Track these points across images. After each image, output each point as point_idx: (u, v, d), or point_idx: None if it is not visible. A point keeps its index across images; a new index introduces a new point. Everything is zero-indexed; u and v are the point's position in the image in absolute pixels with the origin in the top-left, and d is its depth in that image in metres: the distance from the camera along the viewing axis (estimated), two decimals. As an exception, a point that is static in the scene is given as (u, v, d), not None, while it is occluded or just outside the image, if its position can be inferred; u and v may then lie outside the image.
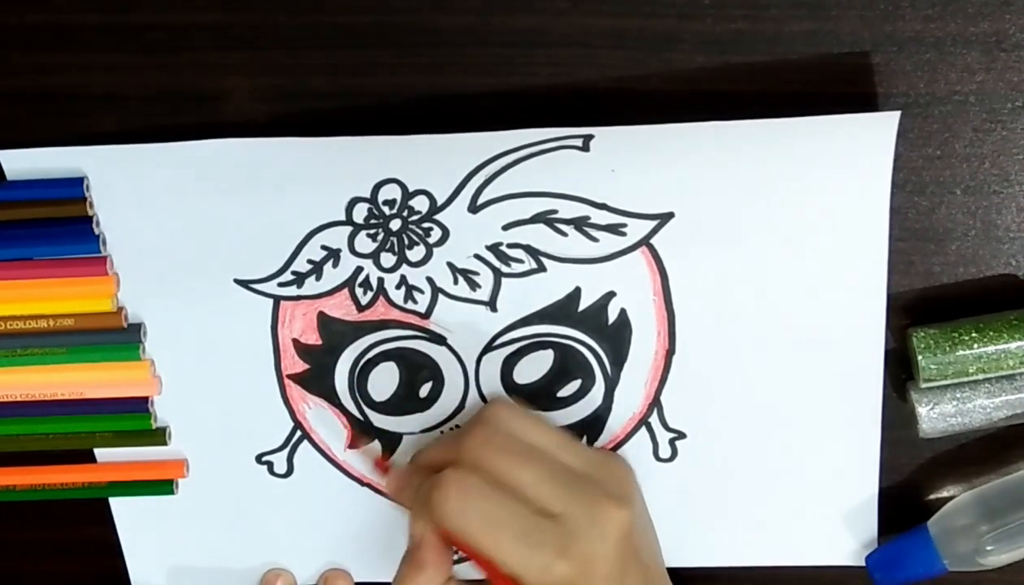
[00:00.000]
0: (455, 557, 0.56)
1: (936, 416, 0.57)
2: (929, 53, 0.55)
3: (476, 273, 0.57)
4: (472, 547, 0.53)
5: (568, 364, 0.58)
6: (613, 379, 0.58)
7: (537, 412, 0.58)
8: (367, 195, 0.56)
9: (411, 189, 0.56)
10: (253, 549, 0.62)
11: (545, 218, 0.56)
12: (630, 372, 0.58)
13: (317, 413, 0.60)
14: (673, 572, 0.58)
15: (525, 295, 0.57)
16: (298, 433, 0.60)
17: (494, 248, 0.57)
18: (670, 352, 0.58)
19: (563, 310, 0.58)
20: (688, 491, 0.60)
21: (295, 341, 0.59)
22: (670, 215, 0.56)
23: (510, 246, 0.57)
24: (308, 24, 0.56)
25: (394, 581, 0.56)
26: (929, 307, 0.57)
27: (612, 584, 0.53)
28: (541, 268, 0.57)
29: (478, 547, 0.52)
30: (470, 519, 0.52)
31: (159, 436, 0.60)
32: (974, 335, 0.56)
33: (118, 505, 0.62)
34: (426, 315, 0.58)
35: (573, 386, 0.59)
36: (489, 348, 0.58)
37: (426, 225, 0.57)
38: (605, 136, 0.55)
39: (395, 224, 0.57)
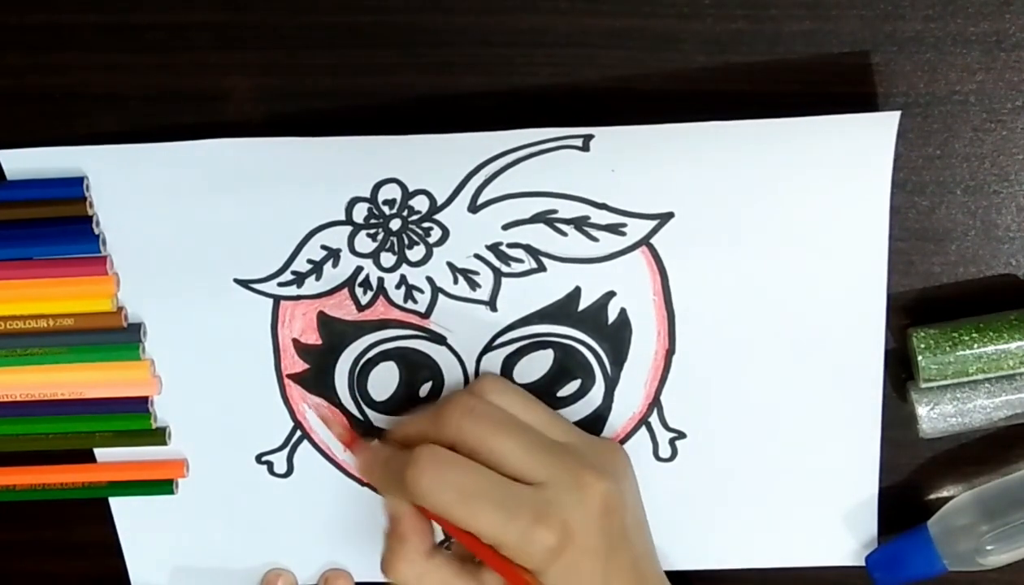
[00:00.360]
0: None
1: (936, 416, 0.57)
2: (929, 53, 0.55)
3: (476, 273, 0.57)
4: (451, 522, 0.52)
5: (568, 364, 0.58)
6: (613, 379, 0.58)
7: (526, 392, 0.57)
8: (367, 195, 0.56)
9: (411, 189, 0.56)
10: (253, 549, 0.62)
11: (545, 218, 0.56)
12: (630, 372, 0.58)
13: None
14: (672, 573, 0.58)
15: (525, 295, 0.57)
16: (298, 433, 0.60)
17: (494, 248, 0.57)
18: (670, 352, 0.58)
19: (563, 310, 0.58)
20: (688, 491, 0.60)
21: (295, 341, 0.59)
22: (670, 215, 0.56)
23: (510, 246, 0.57)
24: (308, 24, 0.56)
25: (381, 560, 0.56)
26: (929, 307, 0.57)
27: (598, 561, 0.53)
28: (541, 268, 0.57)
29: (456, 521, 0.52)
30: (446, 494, 0.52)
31: (159, 436, 0.60)
32: (974, 335, 0.56)
33: (118, 505, 0.62)
34: (426, 315, 0.58)
35: (573, 386, 0.59)
36: (489, 348, 0.58)
37: (426, 225, 0.57)
38: (605, 136, 0.55)
39: (395, 224, 0.57)
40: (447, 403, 0.55)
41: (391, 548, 0.55)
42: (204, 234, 0.57)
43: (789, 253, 0.56)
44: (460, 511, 0.52)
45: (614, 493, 0.54)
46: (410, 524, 0.55)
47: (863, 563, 0.60)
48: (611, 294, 0.57)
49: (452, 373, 0.59)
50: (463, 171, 0.56)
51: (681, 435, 0.59)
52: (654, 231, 0.56)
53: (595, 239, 0.56)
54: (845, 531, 0.60)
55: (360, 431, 0.60)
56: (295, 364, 0.59)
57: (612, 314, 0.57)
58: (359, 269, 0.57)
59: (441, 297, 0.58)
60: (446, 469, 0.52)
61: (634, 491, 0.57)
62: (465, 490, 0.52)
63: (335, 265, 0.57)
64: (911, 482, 0.60)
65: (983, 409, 0.57)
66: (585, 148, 0.55)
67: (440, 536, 0.56)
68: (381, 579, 0.61)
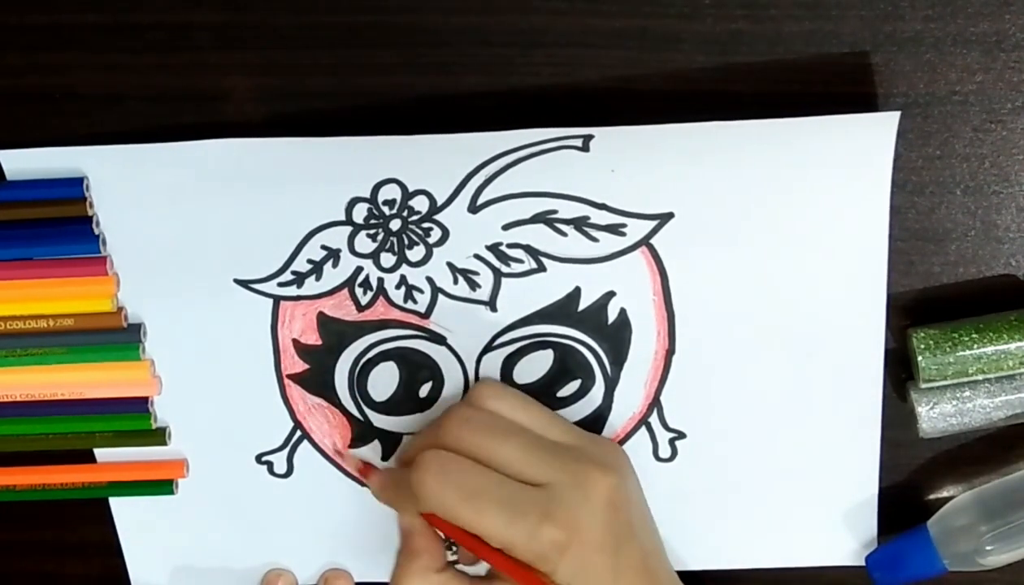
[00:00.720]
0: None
1: (936, 416, 0.57)
2: (929, 53, 0.55)
3: (476, 273, 0.57)
4: (458, 524, 0.52)
5: (568, 364, 0.58)
6: (613, 379, 0.58)
7: (523, 394, 0.57)
8: (367, 195, 0.56)
9: (411, 189, 0.56)
10: (253, 549, 0.62)
11: (545, 218, 0.56)
12: (630, 372, 0.58)
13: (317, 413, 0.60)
14: (673, 573, 0.58)
15: (525, 295, 0.57)
16: (298, 433, 0.60)
17: (494, 248, 0.57)
18: (670, 352, 0.58)
19: (563, 310, 0.58)
20: (688, 491, 0.60)
21: (295, 341, 0.59)
22: (670, 215, 0.56)
23: (510, 246, 0.57)
24: (308, 24, 0.56)
25: (392, 577, 0.56)
26: (929, 307, 0.57)
27: (607, 556, 0.53)
28: (541, 268, 0.57)
29: (462, 522, 0.52)
30: (451, 495, 0.52)
31: (159, 436, 0.60)
32: (974, 335, 0.56)
33: (118, 505, 0.62)
34: (426, 315, 0.58)
35: (573, 386, 0.59)
36: (489, 348, 0.58)
37: (426, 225, 0.57)
38: (605, 136, 0.55)
39: (395, 224, 0.57)
40: (444, 417, 0.55)
41: (401, 564, 0.56)
42: (204, 234, 0.57)
43: (789, 253, 0.56)
44: (466, 511, 0.52)
45: (619, 489, 0.54)
46: (422, 541, 0.55)
47: (863, 563, 0.60)
48: (611, 294, 0.57)
49: (452, 373, 0.59)
50: (463, 171, 0.56)
51: (681, 435, 0.59)
52: (654, 231, 0.56)
53: (595, 239, 0.56)
54: (845, 531, 0.60)
55: (360, 433, 0.60)
56: (295, 364, 0.59)
57: (612, 314, 0.57)
58: (359, 269, 0.57)
59: (441, 297, 0.58)
60: (450, 470, 0.53)
61: (637, 489, 0.57)
62: (470, 490, 0.52)
63: (335, 265, 0.57)
64: (911, 482, 0.60)
65: (983, 409, 0.57)
66: (585, 148, 0.55)
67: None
68: (381, 579, 0.61)
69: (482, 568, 0.58)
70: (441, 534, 0.57)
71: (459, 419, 0.54)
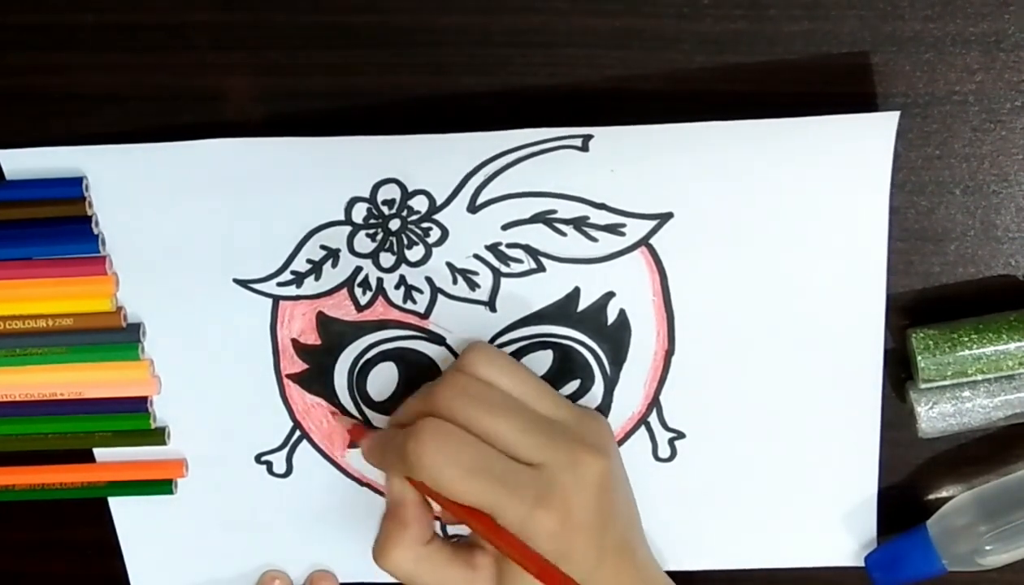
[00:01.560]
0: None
1: (935, 416, 0.57)
2: (928, 53, 0.55)
3: (475, 273, 0.57)
4: (450, 497, 0.52)
5: (567, 364, 0.58)
6: (612, 379, 0.58)
7: (515, 360, 0.57)
8: (366, 195, 0.56)
9: (410, 189, 0.56)
10: (252, 549, 0.62)
11: (544, 218, 0.56)
12: (629, 372, 0.58)
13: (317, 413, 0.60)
14: (671, 573, 0.58)
15: (524, 295, 0.57)
16: (297, 433, 0.60)
17: (493, 248, 0.57)
18: (669, 352, 0.58)
19: (562, 310, 0.58)
20: (687, 491, 0.60)
21: (294, 341, 0.59)
22: (669, 215, 0.56)
23: (509, 246, 0.57)
24: (307, 24, 0.56)
25: (376, 542, 0.55)
26: (929, 307, 0.57)
27: (592, 537, 0.53)
28: (540, 268, 0.57)
29: (456, 495, 0.52)
30: (447, 468, 0.51)
31: (158, 436, 0.60)
32: (973, 336, 0.56)
33: (118, 505, 0.62)
34: (425, 315, 0.58)
35: (572, 386, 0.59)
36: (488, 348, 0.58)
37: (425, 225, 0.57)
38: (605, 136, 0.55)
39: (394, 224, 0.57)
40: (438, 384, 0.54)
41: (389, 533, 0.54)
42: (204, 234, 0.57)
43: (789, 253, 0.56)
44: (460, 487, 0.51)
45: (609, 472, 0.54)
46: (414, 511, 0.54)
47: (862, 563, 0.60)
48: (610, 295, 0.57)
49: (451, 373, 0.59)
50: (462, 171, 0.56)
51: (680, 435, 0.59)
52: (653, 231, 0.56)
53: (594, 239, 0.56)
54: (844, 531, 0.60)
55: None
56: (294, 364, 0.59)
57: (611, 315, 0.57)
58: (358, 269, 0.57)
59: (440, 297, 0.58)
60: (448, 443, 0.52)
61: (620, 460, 0.57)
62: (468, 465, 0.51)
63: (334, 265, 0.57)
64: (910, 482, 0.60)
65: (982, 409, 0.57)
66: (584, 148, 0.55)
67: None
68: (380, 579, 0.61)
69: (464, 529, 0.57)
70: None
71: (454, 388, 0.54)
